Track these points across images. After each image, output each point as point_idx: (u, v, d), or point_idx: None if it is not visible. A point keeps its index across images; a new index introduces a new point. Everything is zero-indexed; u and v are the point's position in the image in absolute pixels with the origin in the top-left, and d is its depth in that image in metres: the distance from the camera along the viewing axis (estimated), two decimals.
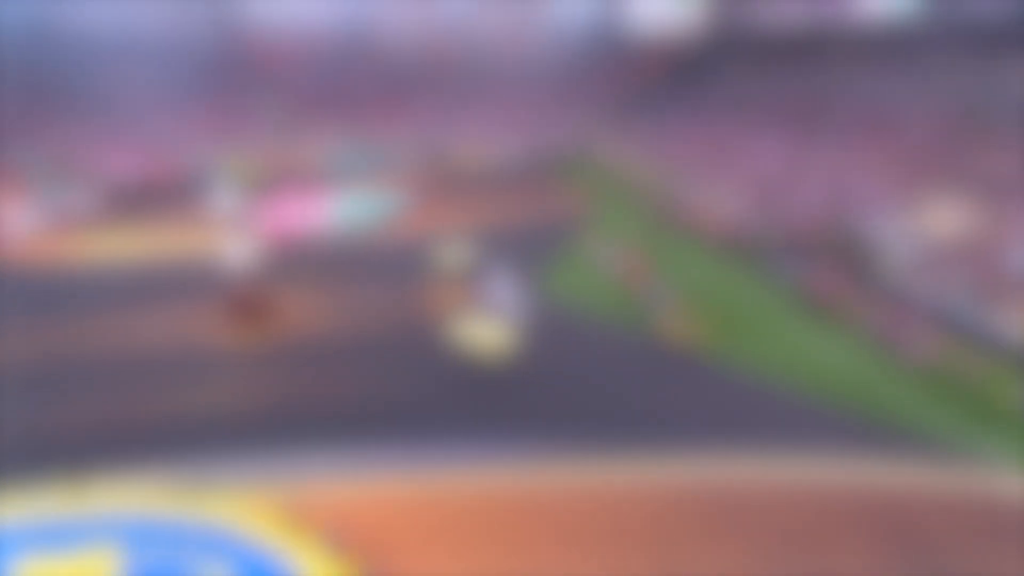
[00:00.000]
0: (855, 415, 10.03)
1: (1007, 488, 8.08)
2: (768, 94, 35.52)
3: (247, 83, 37.20)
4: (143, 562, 6.09)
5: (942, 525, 7.50)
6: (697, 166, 28.86)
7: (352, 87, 39.96)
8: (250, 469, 8.05)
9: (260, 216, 21.91)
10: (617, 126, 38.00)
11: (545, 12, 44.34)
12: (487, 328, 12.74)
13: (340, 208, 23.55)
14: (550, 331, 13.17)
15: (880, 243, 17.23)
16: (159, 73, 33.50)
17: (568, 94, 42.10)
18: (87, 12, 32.21)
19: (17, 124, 28.86)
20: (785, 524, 7.34)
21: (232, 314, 13.56)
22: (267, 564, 6.19)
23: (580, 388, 10.96)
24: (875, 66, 32.14)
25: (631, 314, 14.03)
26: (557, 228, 20.96)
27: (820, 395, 10.62)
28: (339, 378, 11.37)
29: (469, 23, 43.47)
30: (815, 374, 11.40)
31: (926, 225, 17.84)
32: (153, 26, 34.21)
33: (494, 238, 19.37)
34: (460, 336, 12.51)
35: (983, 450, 9.06)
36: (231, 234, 18.27)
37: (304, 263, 17.84)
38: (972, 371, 11.11)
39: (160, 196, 25.78)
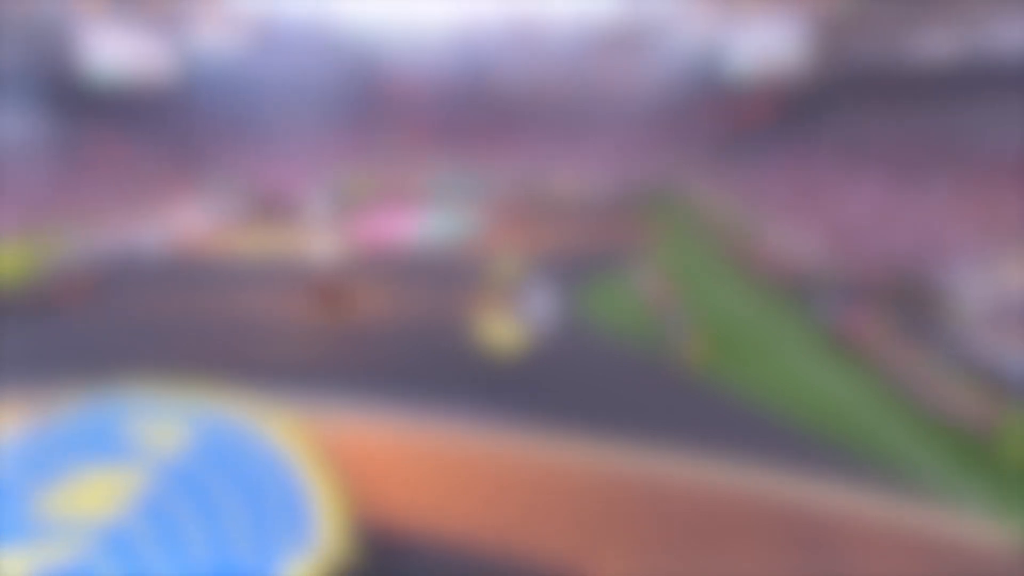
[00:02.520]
0: (838, 444, 10.54)
1: (966, 531, 8.42)
2: (873, 135, 34.20)
3: (378, 117, 42.98)
4: (206, 438, 9.06)
5: (853, 540, 8.25)
6: (783, 208, 28.84)
7: (466, 122, 44.24)
8: (300, 404, 10.94)
9: (359, 225, 26.20)
10: (712, 165, 38.49)
11: (652, 53, 46.07)
12: (508, 329, 14.93)
13: (426, 224, 27.09)
14: (569, 339, 15.02)
15: (953, 294, 16.79)
16: (308, 108, 40.34)
17: (668, 133, 43.21)
18: (256, 57, 39.95)
19: (203, 148, 36.43)
20: (692, 519, 8.54)
21: (315, 298, 17.12)
22: (283, 474, 8.73)
23: (578, 387, 12.58)
24: (992, 105, 29.84)
25: (650, 335, 15.32)
26: (610, 256, 22.53)
27: (811, 424, 11.25)
28: (382, 353, 14.19)
29: (577, 65, 46.46)
30: (813, 405, 11.97)
31: (1004, 279, 17.06)
32: (306, 71, 41.38)
33: (550, 259, 21.53)
34: (485, 333, 14.83)
35: (972, 501, 9.21)
36: (321, 237, 22.71)
37: (383, 265, 21.30)
38: (996, 426, 10.85)
39: (286, 205, 31.17)
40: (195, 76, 37.58)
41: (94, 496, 7.93)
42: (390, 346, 14.64)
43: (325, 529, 7.46)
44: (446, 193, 34.38)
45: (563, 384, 12.78)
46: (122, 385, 11.03)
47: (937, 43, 34.43)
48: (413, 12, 45.37)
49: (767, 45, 41.21)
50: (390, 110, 43.82)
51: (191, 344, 14.68)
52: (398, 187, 35.42)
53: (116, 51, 35.57)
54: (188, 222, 27.33)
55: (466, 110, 44.71)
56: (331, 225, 25.69)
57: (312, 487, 8.21)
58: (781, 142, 38.20)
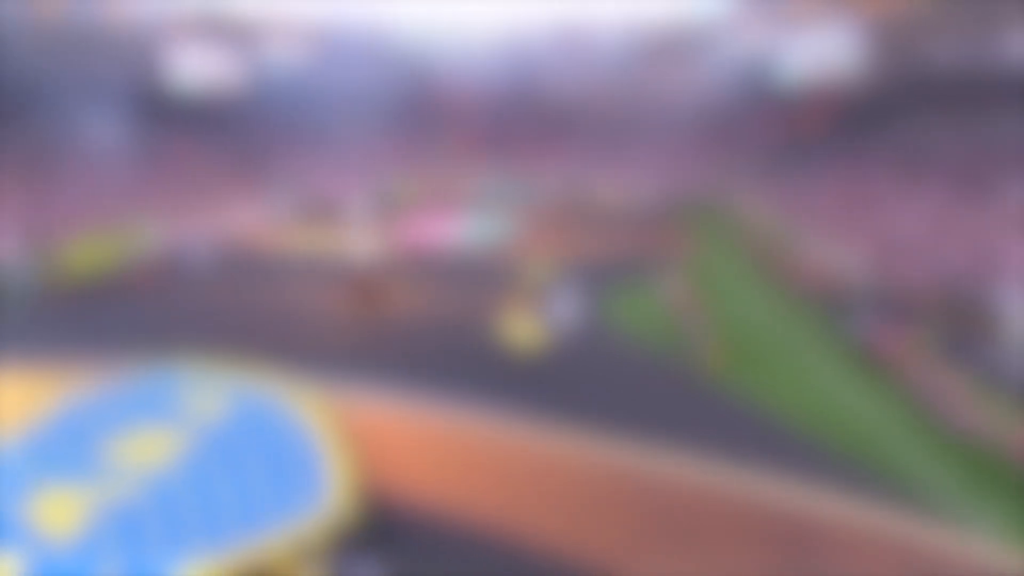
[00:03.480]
0: (851, 458, 10.57)
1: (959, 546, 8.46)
2: (936, 146, 32.79)
3: (429, 124, 44.72)
4: (240, 409, 10.31)
5: (842, 547, 8.47)
6: (831, 221, 28.23)
7: (513, 129, 45.25)
8: (330, 387, 12.08)
9: (403, 227, 27.65)
10: (760, 176, 37.85)
11: (701, 60, 45.61)
12: (530, 329, 15.65)
13: (465, 228, 28.22)
14: (590, 341, 15.59)
15: (1004, 315, 16.27)
16: (363, 116, 42.59)
17: (717, 142, 42.76)
18: (316, 68, 42.59)
19: (265, 154, 39.20)
20: (685, 518, 8.93)
21: (352, 294, 18.44)
22: (302, 443, 9.75)
23: (592, 386, 13.15)
24: None
25: (671, 342, 15.67)
26: (641, 264, 22.88)
27: (824, 436, 11.32)
28: (409, 346, 15.27)
29: (625, 72, 46.60)
30: (830, 418, 12.00)
31: None
32: (361, 80, 43.70)
33: (582, 265, 22.10)
34: (508, 332, 15.62)
35: (996, 525, 9.04)
36: (361, 237, 24.29)
37: (421, 266, 22.51)
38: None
39: (331, 207, 33.03)
40: (261, 87, 40.52)
41: (145, 449, 9.29)
42: (417, 340, 15.68)
43: (332, 494, 8.43)
44: (488, 199, 35.50)
45: (578, 383, 13.35)
46: (177, 360, 12.59)
47: (1017, 46, 32.55)
48: (464, 22, 46.99)
49: (823, 51, 39.79)
50: (440, 118, 45.45)
51: (239, 329, 16.29)
52: (443, 192, 36.88)
53: (197, 66, 38.95)
54: (247, 221, 29.65)
55: (514, 118, 45.77)
56: (371, 226, 27.31)
57: (326, 457, 9.23)
58: (835, 153, 37.12)
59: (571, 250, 24.60)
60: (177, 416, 10.11)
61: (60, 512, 8.06)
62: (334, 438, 9.75)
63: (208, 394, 10.84)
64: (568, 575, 7.80)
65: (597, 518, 8.83)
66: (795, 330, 16.69)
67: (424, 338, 15.80)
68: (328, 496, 8.35)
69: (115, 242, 23.95)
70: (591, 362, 14.49)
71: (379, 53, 44.79)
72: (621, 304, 18.68)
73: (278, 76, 41.18)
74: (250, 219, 30.16)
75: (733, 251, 26.07)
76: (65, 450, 9.35)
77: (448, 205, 33.36)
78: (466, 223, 29.30)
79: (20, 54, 30.91)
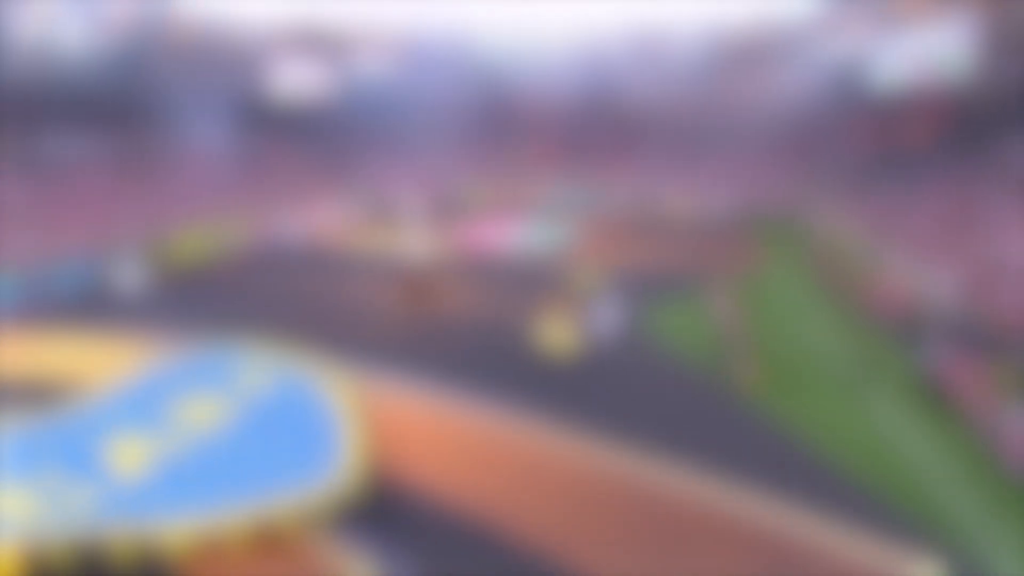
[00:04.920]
0: (886, 497, 9.81)
1: None
2: None
3: (505, 132, 46.09)
4: (281, 385, 11.76)
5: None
6: (922, 240, 26.37)
7: (589, 137, 45.55)
8: (367, 374, 13.35)
9: (465, 231, 29.00)
10: (847, 189, 35.76)
11: (787, 65, 43.50)
12: (566, 335, 16.15)
13: (524, 234, 29.05)
14: (626, 352, 15.72)
15: None
16: (442, 123, 44.76)
17: (802, 152, 40.84)
18: (400, 78, 45.33)
19: (349, 158, 42.30)
20: (679, 531, 9.03)
21: (403, 292, 19.83)
22: (326, 422, 10.91)
23: (618, 396, 13.26)
24: None
25: (711, 358, 15.32)
26: (695, 277, 22.57)
27: (860, 469, 10.59)
28: (447, 344, 16.31)
29: (705, 79, 45.40)
30: (871, 451, 11.17)
31: None
32: (442, 89, 45.89)
33: (634, 276, 22.23)
34: (544, 337, 16.23)
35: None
36: (415, 239, 25.81)
37: (475, 269, 23.62)
38: None
39: (396, 209, 34.78)
40: (350, 96, 43.70)
41: (201, 411, 10.93)
42: (457, 339, 16.67)
43: (340, 470, 9.55)
44: (553, 206, 36.15)
45: (604, 391, 13.46)
46: (242, 339, 14.44)
47: None
48: (542, 31, 47.94)
49: (927, 52, 35.60)
50: (517, 126, 46.65)
51: (302, 316, 18.17)
52: (510, 198, 37.99)
53: (294, 78, 42.84)
54: (324, 220, 32.36)
55: (589, 126, 46.07)
56: (425, 228, 28.86)
57: (343, 437, 10.40)
58: (936, 167, 34.36)
59: (627, 260, 24.73)
60: (230, 386, 11.76)
61: (129, 454, 9.75)
62: (355, 421, 10.92)
63: (257, 370, 12.48)
64: (552, 571, 8.23)
65: (585, 520, 9.19)
66: (852, 356, 15.82)
67: (464, 337, 16.77)
68: (336, 471, 9.48)
69: (213, 235, 27.12)
70: (623, 371, 14.61)
71: (460, 63, 46.82)
72: (667, 317, 18.61)
73: (365, 86, 44.25)
74: (327, 219, 32.88)
75: (801, 269, 25.01)
76: (141, 405, 11.21)
77: (511, 211, 34.39)
78: (525, 229, 30.15)
79: (143, 69, 35.65)
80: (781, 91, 43.28)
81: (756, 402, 13.05)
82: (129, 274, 22.27)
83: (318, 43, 43.96)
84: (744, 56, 45.01)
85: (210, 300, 20.15)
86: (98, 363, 14.01)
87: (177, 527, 8.21)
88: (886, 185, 34.77)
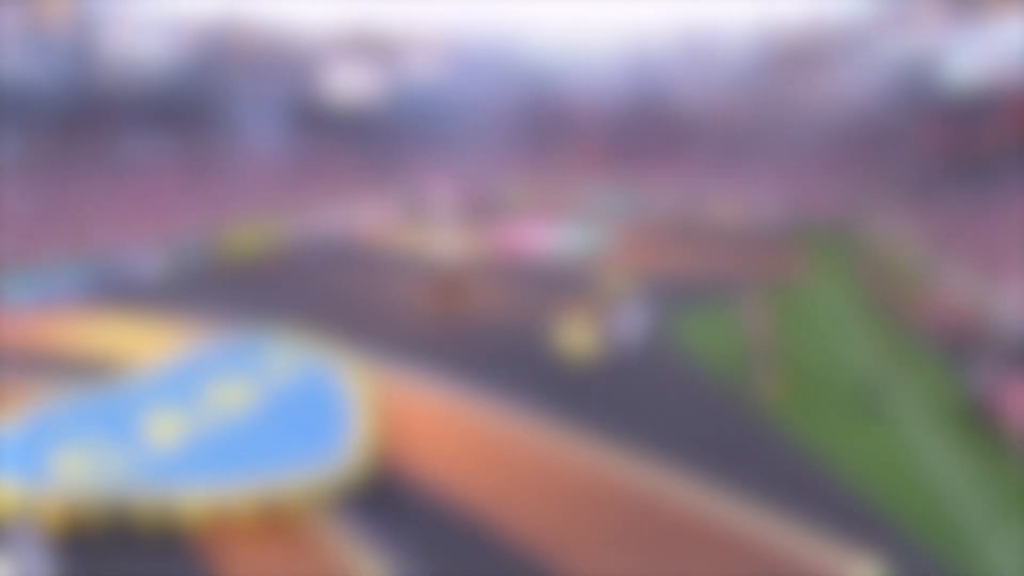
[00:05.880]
0: (904, 522, 9.44)
1: None
2: None
3: (552, 135, 46.33)
4: (303, 372, 12.56)
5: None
6: (988, 252, 24.64)
7: (636, 141, 45.05)
8: (390, 366, 13.99)
9: (503, 232, 29.43)
10: (908, 196, 33.78)
11: (846, 64, 41.41)
12: (586, 339, 16.25)
13: (560, 237, 29.16)
14: (647, 358, 15.62)
15: None
16: (489, 126, 45.53)
17: (861, 157, 38.96)
18: (448, 82, 46.40)
19: (397, 159, 43.76)
20: (665, 531, 9.19)
21: (432, 290, 20.46)
22: (340, 409, 11.62)
23: (633, 401, 13.19)
24: None
25: (734, 368, 15.02)
26: (730, 285, 22.07)
27: (879, 489, 10.20)
28: (470, 342, 16.76)
29: (756, 81, 43.94)
30: (897, 471, 10.70)
31: None
32: (489, 92, 46.65)
33: (666, 282, 21.98)
34: (564, 340, 16.42)
35: None
36: (447, 239, 26.34)
37: (507, 270, 24.01)
38: None
39: (432, 210, 35.58)
40: (400, 98, 45.10)
41: (230, 394, 11.84)
42: (479, 337, 17.08)
43: (346, 458, 10.19)
44: (593, 210, 36.03)
45: (618, 395, 13.48)
46: (273, 329, 15.45)
47: None
48: (589, 34, 47.72)
49: (1006, 47, 32.71)
50: (563, 128, 46.74)
51: (333, 309, 19.14)
52: (552, 201, 38.18)
53: (346, 81, 44.57)
54: (368, 218, 33.65)
55: (636, 129, 45.54)
56: (458, 229, 29.48)
57: (354, 426, 11.04)
58: (1016, 170, 31.89)
59: (664, 266, 24.42)
60: (258, 373, 12.70)
61: (164, 428, 10.74)
62: (368, 411, 11.55)
63: (283, 359, 13.39)
64: (541, 570, 8.51)
65: (580, 522, 9.32)
66: (885, 374, 15.15)
67: (488, 336, 17.17)
68: (342, 458, 10.14)
69: (264, 231, 28.80)
70: (639, 377, 14.50)
71: (508, 67, 47.41)
72: (696, 325, 18.26)
73: (415, 88, 45.59)
74: (371, 216, 34.23)
75: (848, 280, 23.89)
76: (179, 384, 12.28)
77: (550, 214, 34.60)
78: (562, 232, 30.28)
79: (208, 76, 38.16)
80: (838, 93, 41.34)
81: (772, 416, 12.67)
82: (185, 265, 24.04)
83: (370, 48, 45.65)
84: (798, 57, 43.21)
85: (254, 291, 21.50)
86: (146, 345, 15.41)
87: (196, 496, 9.04)
88: (956, 192, 32.59)
